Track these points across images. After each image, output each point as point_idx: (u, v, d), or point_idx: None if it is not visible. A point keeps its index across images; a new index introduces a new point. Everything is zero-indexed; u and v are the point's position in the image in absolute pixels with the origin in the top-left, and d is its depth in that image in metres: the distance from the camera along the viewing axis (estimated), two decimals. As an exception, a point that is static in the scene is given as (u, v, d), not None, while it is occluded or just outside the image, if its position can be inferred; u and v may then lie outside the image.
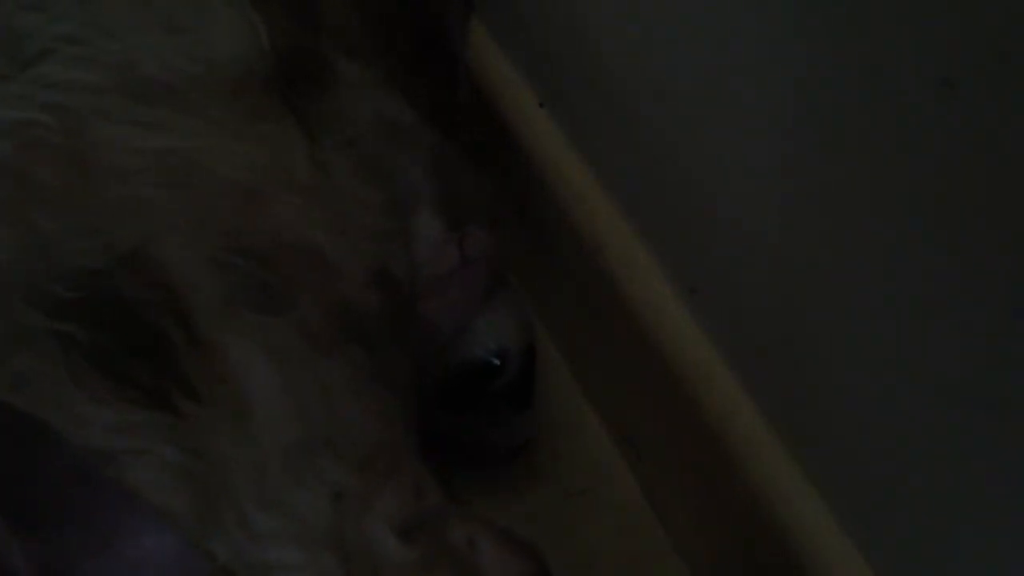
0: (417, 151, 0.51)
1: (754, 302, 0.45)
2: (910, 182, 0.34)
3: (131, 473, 0.34)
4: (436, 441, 0.46)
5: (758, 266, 0.44)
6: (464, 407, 0.53)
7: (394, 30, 0.55)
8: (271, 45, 0.46)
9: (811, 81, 0.37)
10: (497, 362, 0.52)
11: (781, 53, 0.38)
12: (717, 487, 0.50)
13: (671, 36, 0.45)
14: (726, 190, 0.45)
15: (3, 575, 0.31)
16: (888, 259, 0.36)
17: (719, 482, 0.49)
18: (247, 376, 0.38)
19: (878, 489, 0.41)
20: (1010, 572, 0.35)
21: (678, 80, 0.46)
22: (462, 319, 0.52)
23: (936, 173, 0.32)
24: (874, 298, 0.38)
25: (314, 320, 0.41)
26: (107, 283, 0.37)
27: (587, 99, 0.55)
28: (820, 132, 0.37)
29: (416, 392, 0.46)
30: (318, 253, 0.43)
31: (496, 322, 0.53)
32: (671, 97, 0.47)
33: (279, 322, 0.40)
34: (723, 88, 0.42)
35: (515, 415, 0.55)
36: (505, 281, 0.54)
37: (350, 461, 0.39)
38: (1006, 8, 0.28)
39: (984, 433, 0.34)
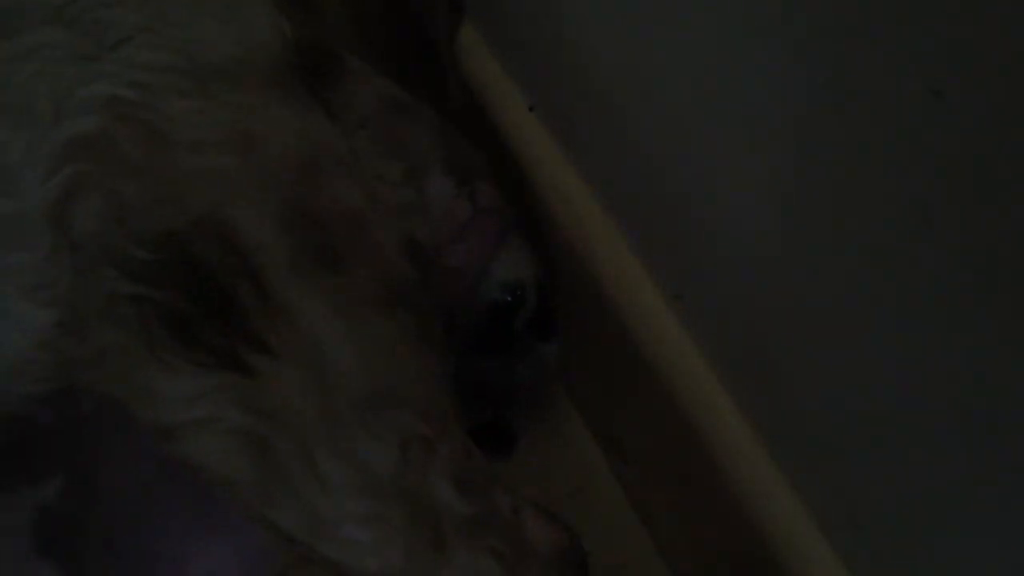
0: (421, 123, 0.54)
1: (739, 308, 0.46)
2: (898, 190, 0.34)
3: (197, 446, 0.35)
4: (471, 388, 0.48)
5: (744, 272, 0.44)
6: (494, 348, 0.55)
7: (385, 39, 0.56)
8: (293, 38, 0.48)
9: (800, 90, 0.37)
10: (509, 299, 0.55)
11: (770, 62, 0.38)
12: (701, 491, 0.50)
13: (661, 42, 0.45)
14: (713, 196, 0.45)
15: None
16: (874, 265, 0.36)
17: (703, 486, 0.49)
18: (317, 329, 0.39)
19: (860, 493, 0.41)
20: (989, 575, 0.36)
21: (667, 85, 0.46)
22: (479, 265, 0.54)
23: (924, 181, 0.33)
24: (859, 304, 0.38)
25: (368, 283, 0.43)
26: (182, 245, 0.38)
27: (577, 103, 0.55)
28: (809, 140, 0.37)
29: (450, 356, 0.48)
30: (363, 222, 0.45)
31: (508, 263, 0.55)
32: (660, 102, 0.47)
33: (340, 282, 0.41)
34: (712, 94, 0.42)
35: (542, 346, 0.57)
36: (511, 227, 0.57)
37: (416, 411, 0.40)
38: (994, 19, 0.28)
39: (965, 437, 0.35)
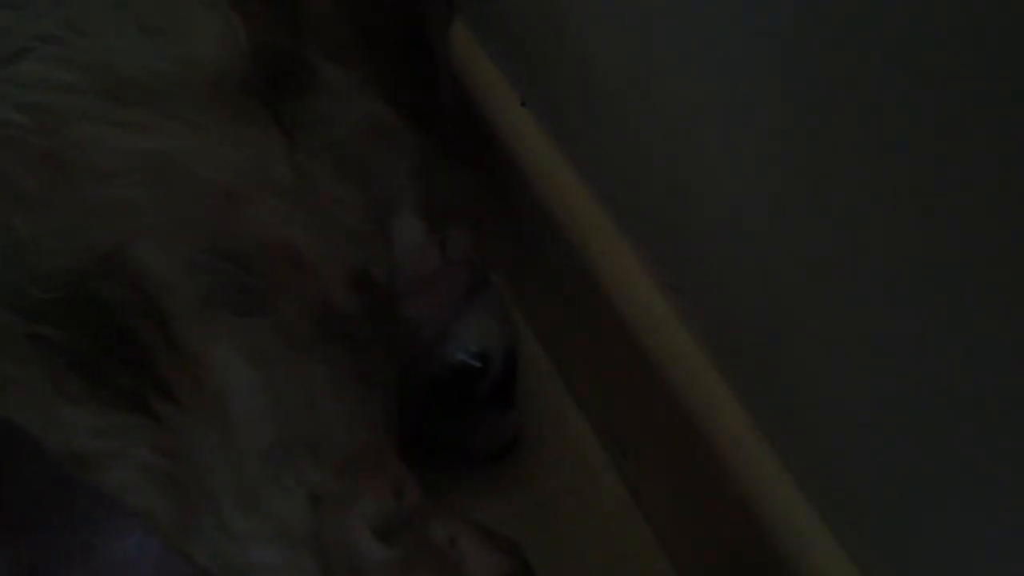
0: (401, 153, 0.51)
1: (738, 301, 0.45)
2: (893, 179, 0.34)
3: (109, 475, 0.34)
4: (421, 443, 0.47)
5: (743, 265, 0.44)
6: (447, 410, 0.53)
7: (375, 33, 0.55)
8: (251, 46, 0.45)
9: (794, 79, 0.37)
10: (478, 364, 0.52)
11: (763, 51, 0.38)
12: (702, 485, 0.50)
13: (654, 35, 0.45)
14: (710, 188, 0.45)
15: None
16: (873, 256, 0.36)
17: (704, 480, 0.49)
18: (225, 378, 0.38)
19: (863, 488, 0.41)
20: (997, 572, 0.35)
21: (661, 78, 0.45)
22: (444, 320, 0.52)
23: (917, 167, 0.33)
24: (859, 296, 0.38)
25: (294, 321, 0.41)
26: (84, 284, 0.37)
27: (570, 98, 0.55)
28: (804, 130, 0.37)
29: (397, 393, 0.46)
30: (298, 255, 0.43)
31: (477, 324, 0.53)
32: (654, 95, 0.46)
33: (258, 323, 0.40)
34: (706, 86, 0.42)
35: (497, 417, 0.55)
36: (486, 283, 0.54)
37: (329, 463, 0.39)
38: (980, 5, 0.28)
39: (972, 432, 0.34)
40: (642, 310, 0.51)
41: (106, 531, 0.33)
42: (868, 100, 0.33)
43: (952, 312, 0.33)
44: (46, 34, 0.41)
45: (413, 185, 0.51)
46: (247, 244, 0.41)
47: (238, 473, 0.37)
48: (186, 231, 0.40)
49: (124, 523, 0.34)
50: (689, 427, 0.48)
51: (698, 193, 0.46)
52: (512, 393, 0.55)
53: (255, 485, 0.37)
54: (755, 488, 0.46)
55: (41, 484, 0.33)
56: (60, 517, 0.33)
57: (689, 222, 0.47)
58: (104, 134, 0.40)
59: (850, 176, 0.36)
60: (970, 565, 0.37)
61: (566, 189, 0.56)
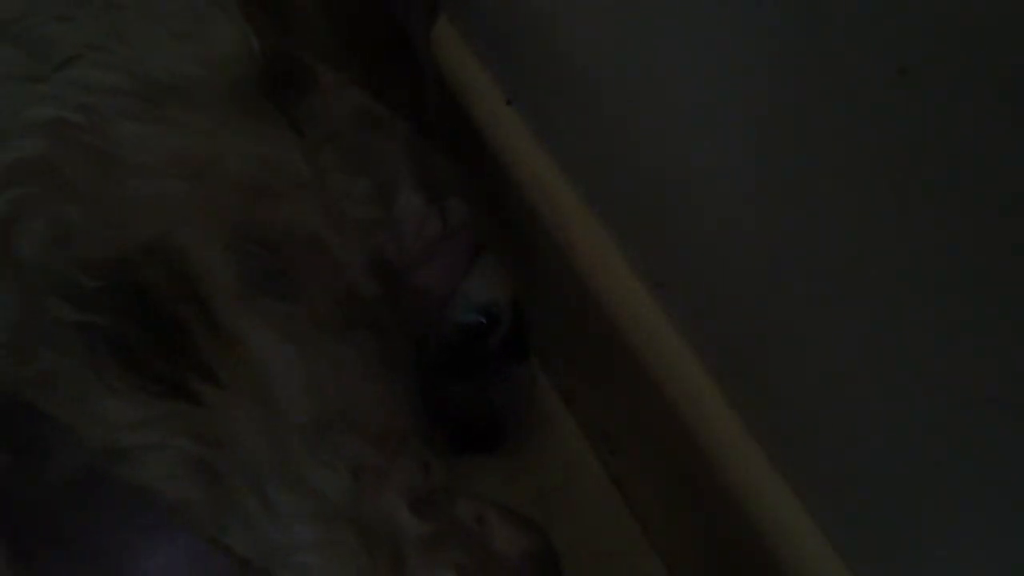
0: (393, 136, 0.53)
1: (722, 296, 0.45)
2: (870, 174, 0.34)
3: (147, 468, 0.35)
4: (442, 414, 0.49)
5: (726, 259, 0.44)
6: (466, 370, 0.55)
7: (358, 34, 0.56)
8: (261, 49, 0.48)
9: (775, 74, 0.37)
10: (485, 320, 0.54)
11: (745, 48, 0.38)
12: (690, 482, 0.50)
13: (637, 31, 0.45)
14: (693, 184, 0.45)
15: None
16: (854, 249, 0.36)
17: (692, 477, 0.49)
18: (266, 358, 0.39)
19: (851, 484, 0.41)
20: (985, 566, 0.36)
21: (645, 75, 0.46)
22: (450, 285, 0.54)
23: (895, 158, 0.33)
24: (841, 290, 0.38)
25: (323, 307, 0.43)
26: (129, 271, 0.38)
27: (554, 96, 0.55)
28: (785, 125, 0.37)
29: (415, 374, 0.48)
30: (322, 244, 0.45)
31: (480, 283, 0.55)
32: (638, 92, 0.47)
33: (292, 308, 0.41)
34: (689, 83, 0.42)
35: (515, 367, 0.57)
36: (483, 246, 0.56)
37: (367, 437, 0.40)
38: (971, 7, 0.28)
39: (957, 428, 0.34)
40: (625, 305, 0.51)
41: (132, 548, 0.34)
42: (853, 98, 0.34)
43: (937, 307, 0.33)
44: (93, 42, 0.44)
45: (407, 163, 0.53)
46: (277, 233, 0.43)
47: (281, 450, 0.38)
48: (221, 221, 0.42)
49: (154, 534, 0.34)
50: (675, 423, 0.48)
51: (680, 188, 0.46)
52: (526, 342, 0.56)
53: (298, 461, 0.38)
54: (742, 484, 0.46)
55: (69, 494, 0.34)
56: (83, 535, 0.34)
57: (672, 216, 0.47)
58: (145, 132, 0.42)
59: (828, 167, 0.36)
60: (967, 565, 0.37)
61: (552, 187, 0.56)
